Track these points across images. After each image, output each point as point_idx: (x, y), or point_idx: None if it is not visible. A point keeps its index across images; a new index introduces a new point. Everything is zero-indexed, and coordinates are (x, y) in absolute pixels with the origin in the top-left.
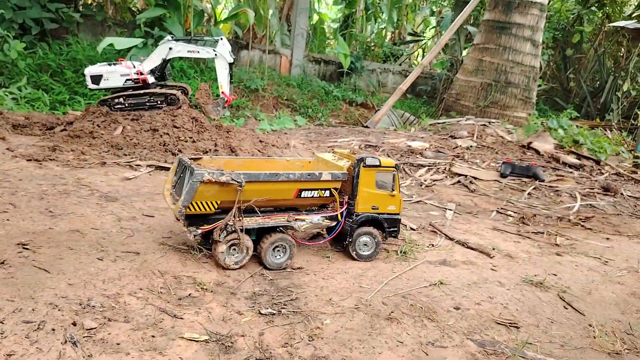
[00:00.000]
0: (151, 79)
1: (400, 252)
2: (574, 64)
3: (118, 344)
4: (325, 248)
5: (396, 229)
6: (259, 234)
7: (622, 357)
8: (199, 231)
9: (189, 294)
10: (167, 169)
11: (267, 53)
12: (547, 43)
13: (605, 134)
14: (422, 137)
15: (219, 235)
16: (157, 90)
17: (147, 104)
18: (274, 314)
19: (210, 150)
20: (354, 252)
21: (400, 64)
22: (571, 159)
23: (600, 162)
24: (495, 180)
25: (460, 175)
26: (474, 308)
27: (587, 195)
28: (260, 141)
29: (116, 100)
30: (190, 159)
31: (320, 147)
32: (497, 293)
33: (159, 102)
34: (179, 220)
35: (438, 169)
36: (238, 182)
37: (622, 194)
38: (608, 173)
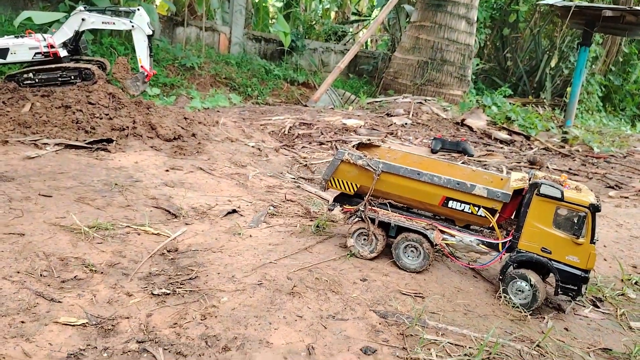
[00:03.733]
0: (63, 53)
1: (315, 227)
2: (510, 43)
3: None
4: (237, 225)
5: (575, 287)
6: (398, 232)
7: (524, 323)
8: (338, 207)
9: (75, 276)
10: (78, 147)
11: (205, 30)
12: (484, 22)
13: (536, 111)
14: (358, 115)
15: (349, 219)
16: (71, 64)
17: (60, 79)
18: (167, 294)
19: (127, 127)
20: (505, 295)
21: (344, 44)
22: (502, 135)
23: (531, 138)
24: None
25: None
26: (381, 279)
27: (514, 169)
28: (185, 118)
29: (25, 76)
30: (362, 144)
31: (253, 124)
32: None
33: (72, 77)
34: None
35: None
36: (374, 169)
37: (547, 167)
38: (537, 148)
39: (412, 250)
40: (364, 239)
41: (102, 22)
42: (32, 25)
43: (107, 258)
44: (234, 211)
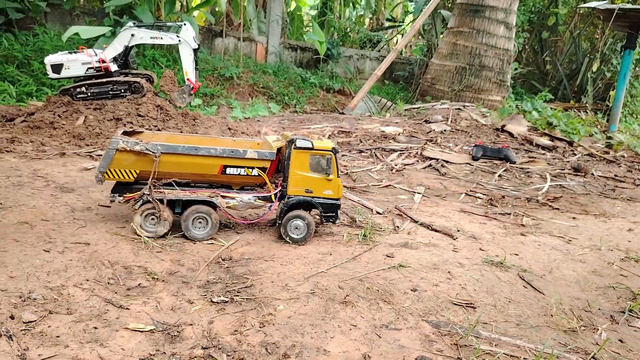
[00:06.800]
0: (114, 67)
1: (362, 236)
2: (550, 46)
3: (58, 336)
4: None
5: (334, 214)
6: (184, 207)
7: (577, 334)
8: (120, 198)
9: (139, 284)
10: None
11: (243, 40)
12: (523, 26)
13: (579, 116)
14: (396, 122)
15: (135, 204)
16: (121, 78)
17: (111, 92)
18: (226, 302)
19: None
20: (286, 235)
21: (379, 50)
22: (544, 141)
23: (573, 144)
24: (467, 163)
25: (431, 159)
26: (432, 289)
27: (558, 176)
28: (229, 129)
29: (78, 90)
30: (126, 132)
31: (294, 134)
32: (456, 274)
33: (122, 91)
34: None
35: (410, 153)
36: (153, 152)
37: (592, 174)
38: (580, 154)
39: (199, 222)
40: (152, 219)
41: (151, 37)
42: (79, 40)
43: (167, 266)
44: (275, 223)
